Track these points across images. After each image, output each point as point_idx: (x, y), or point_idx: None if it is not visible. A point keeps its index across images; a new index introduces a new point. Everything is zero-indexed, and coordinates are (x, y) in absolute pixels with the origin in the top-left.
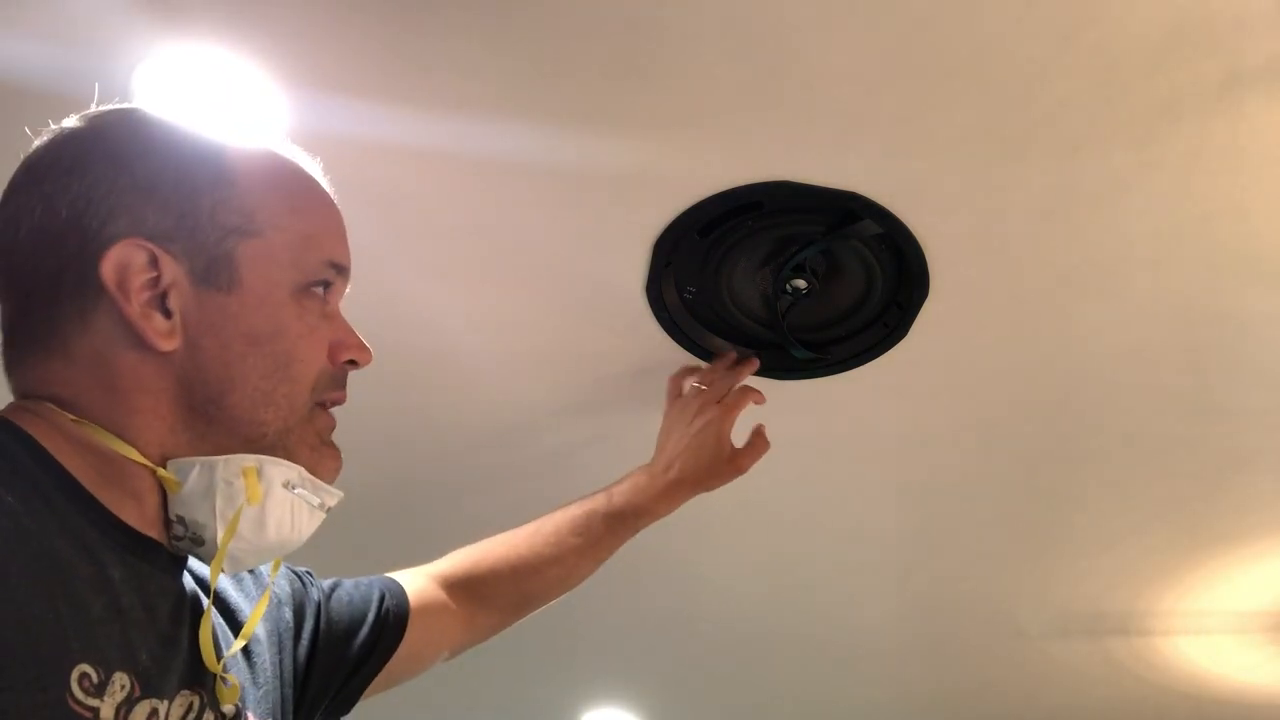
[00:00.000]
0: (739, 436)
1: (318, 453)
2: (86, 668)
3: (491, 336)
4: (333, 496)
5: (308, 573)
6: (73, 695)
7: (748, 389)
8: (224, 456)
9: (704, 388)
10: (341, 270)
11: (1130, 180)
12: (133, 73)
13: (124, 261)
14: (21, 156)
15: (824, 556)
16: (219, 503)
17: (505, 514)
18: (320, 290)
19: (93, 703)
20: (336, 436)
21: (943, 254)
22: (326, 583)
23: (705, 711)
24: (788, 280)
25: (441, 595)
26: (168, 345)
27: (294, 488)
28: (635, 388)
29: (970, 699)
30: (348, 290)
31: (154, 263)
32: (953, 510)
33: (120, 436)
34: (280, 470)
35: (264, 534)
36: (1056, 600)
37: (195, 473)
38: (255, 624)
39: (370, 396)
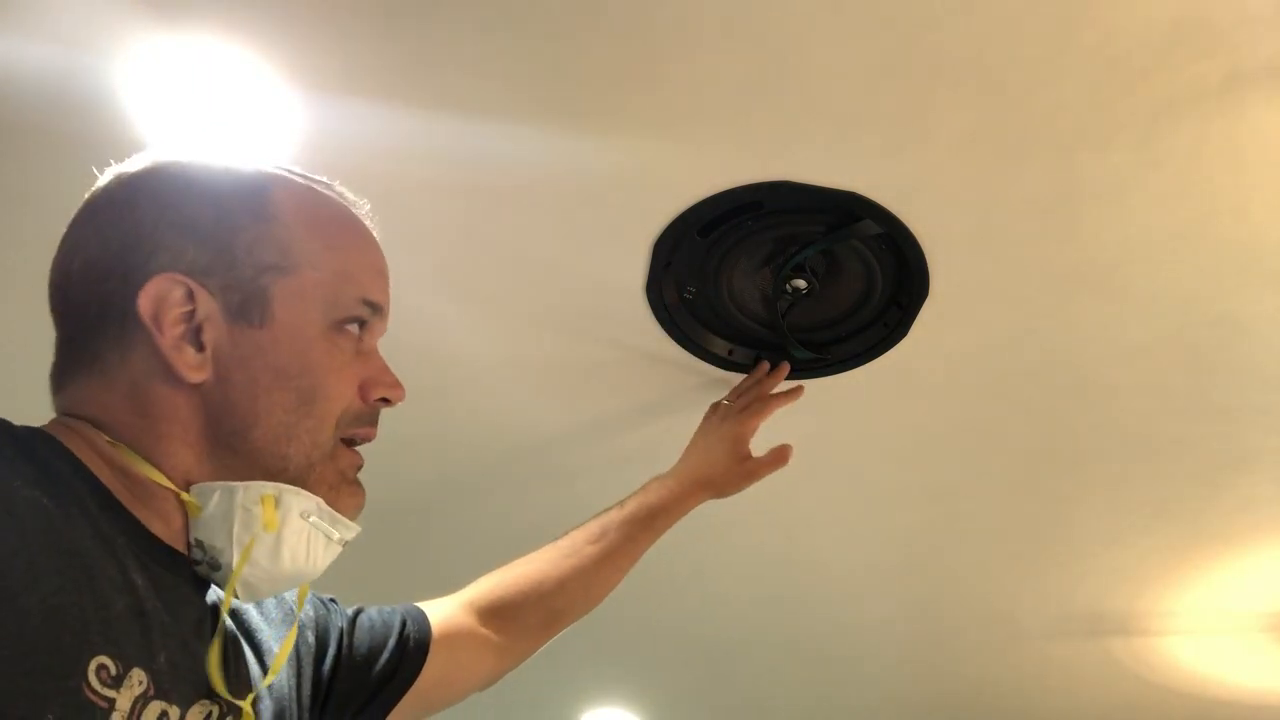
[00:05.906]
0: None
1: (338, 490)
2: (105, 660)
3: (491, 336)
4: (349, 530)
5: (331, 600)
6: (89, 685)
7: (775, 396)
8: (245, 483)
9: (730, 402)
10: (377, 309)
11: (1130, 180)
12: (132, 72)
13: (160, 295)
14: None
15: (824, 557)
16: (236, 528)
17: (507, 516)
18: (354, 328)
19: (109, 694)
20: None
21: (943, 254)
22: (350, 609)
23: (705, 711)
24: (788, 280)
25: (470, 621)
26: (197, 377)
27: (311, 518)
28: (635, 388)
29: (970, 699)
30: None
31: (190, 297)
32: (952, 510)
33: (148, 460)
34: (299, 500)
35: (279, 562)
36: (1056, 600)
37: (216, 498)
38: (284, 660)
39: None
